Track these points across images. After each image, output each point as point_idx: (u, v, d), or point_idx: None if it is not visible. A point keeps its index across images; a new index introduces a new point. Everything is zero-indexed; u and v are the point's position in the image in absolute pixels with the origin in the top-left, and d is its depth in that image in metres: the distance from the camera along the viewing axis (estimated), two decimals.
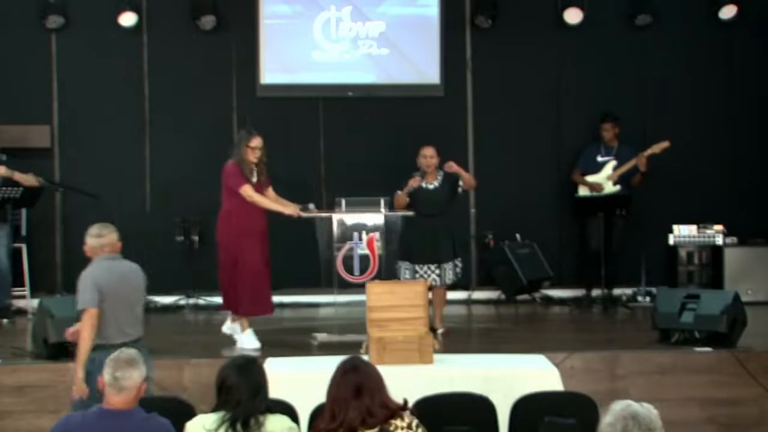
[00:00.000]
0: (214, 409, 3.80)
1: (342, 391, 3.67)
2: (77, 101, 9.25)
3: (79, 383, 4.82)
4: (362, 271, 7.05)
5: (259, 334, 6.88)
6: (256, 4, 9.38)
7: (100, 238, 5.08)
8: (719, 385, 6.16)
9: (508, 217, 9.24)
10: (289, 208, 6.82)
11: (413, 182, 7.24)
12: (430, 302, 6.68)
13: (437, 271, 7.29)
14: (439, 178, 7.40)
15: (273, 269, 6.91)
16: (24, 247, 8.68)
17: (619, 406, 2.94)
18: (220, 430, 3.69)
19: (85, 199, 8.64)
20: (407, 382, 5.09)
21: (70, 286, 8.65)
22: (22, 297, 8.48)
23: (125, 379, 3.75)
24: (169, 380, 5.92)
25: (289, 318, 7.49)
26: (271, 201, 6.81)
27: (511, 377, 5.55)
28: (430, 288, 7.40)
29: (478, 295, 9.17)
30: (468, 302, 9.09)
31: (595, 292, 8.84)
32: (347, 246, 7.08)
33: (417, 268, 7.27)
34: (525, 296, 9.17)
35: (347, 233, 7.09)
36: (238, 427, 3.69)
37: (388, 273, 7.02)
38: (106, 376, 3.77)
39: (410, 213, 7.21)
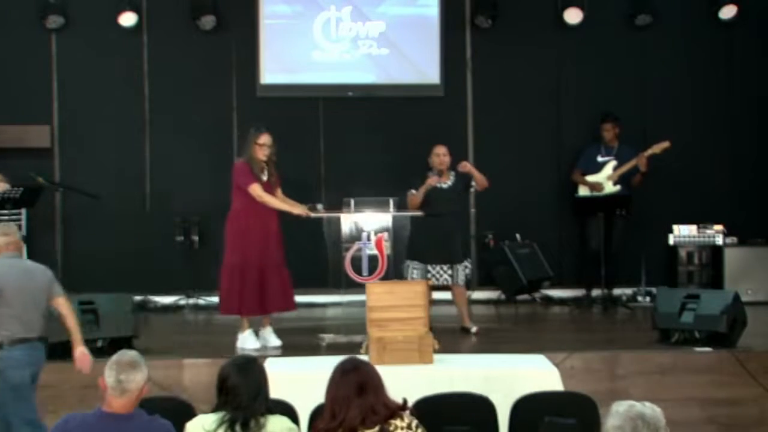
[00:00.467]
0: (214, 410, 3.80)
1: (343, 390, 3.66)
2: (77, 101, 9.26)
3: None
4: (371, 271, 7.04)
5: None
6: (256, 4, 9.38)
7: (6, 236, 5.16)
8: (719, 385, 6.16)
9: (508, 217, 9.24)
10: (298, 208, 6.80)
11: (431, 181, 7.22)
12: (431, 302, 6.67)
13: (449, 272, 7.29)
14: (452, 177, 7.40)
15: None
16: (24, 247, 8.67)
17: (623, 408, 2.90)
18: (220, 431, 3.69)
19: (85, 199, 8.66)
20: (407, 382, 5.10)
21: (70, 286, 8.68)
22: None
23: (129, 381, 3.74)
24: (169, 380, 5.92)
25: (297, 318, 7.48)
26: (279, 201, 6.80)
27: (511, 377, 5.55)
28: (442, 288, 7.40)
29: (478, 295, 9.16)
30: (468, 302, 9.07)
31: (595, 292, 8.84)
32: (356, 246, 7.06)
33: (429, 268, 7.26)
34: (525, 296, 9.17)
35: (356, 233, 7.08)
36: (238, 427, 3.69)
37: (396, 273, 7.02)
38: (109, 378, 3.76)
39: (420, 213, 7.20)
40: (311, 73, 9.48)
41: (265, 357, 6.00)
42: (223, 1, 9.36)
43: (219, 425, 3.69)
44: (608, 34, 9.59)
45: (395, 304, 5.93)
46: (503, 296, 9.11)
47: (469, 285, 8.22)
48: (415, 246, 7.25)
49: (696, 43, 9.62)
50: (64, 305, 5.22)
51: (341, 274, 7.04)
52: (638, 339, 6.96)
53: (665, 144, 8.63)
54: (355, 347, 6.03)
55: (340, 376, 3.72)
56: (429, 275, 7.24)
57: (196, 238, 9.08)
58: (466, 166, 7.32)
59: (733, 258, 8.94)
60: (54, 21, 9.17)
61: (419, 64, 9.54)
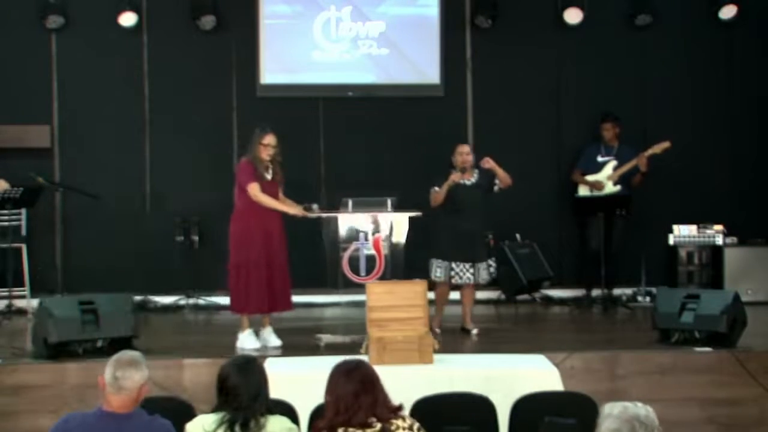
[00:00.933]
0: (214, 410, 3.80)
1: (349, 387, 3.66)
2: (77, 101, 9.25)
3: None
4: (368, 271, 7.03)
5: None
6: (256, 4, 9.38)
7: None
8: (719, 385, 6.15)
9: (508, 217, 9.24)
10: (294, 209, 6.81)
11: (455, 177, 7.19)
12: (432, 302, 6.66)
13: (471, 270, 7.26)
14: (476, 175, 7.36)
15: None
16: (24, 247, 8.69)
17: (617, 410, 2.90)
18: (219, 431, 3.69)
19: (85, 199, 8.66)
20: (407, 382, 5.10)
21: (70, 286, 8.71)
22: (22, 297, 8.49)
23: (125, 379, 3.73)
24: (169, 380, 5.91)
25: (294, 318, 7.48)
26: (276, 201, 6.80)
27: (511, 377, 5.55)
28: (457, 287, 7.39)
29: (478, 295, 9.08)
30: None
31: (595, 292, 8.84)
32: (353, 246, 7.06)
33: (453, 265, 7.24)
34: (525, 296, 9.17)
35: (353, 233, 7.08)
36: (237, 428, 3.68)
37: (394, 273, 7.01)
38: (107, 375, 3.76)
39: (418, 213, 7.17)
40: (311, 73, 9.48)
41: (265, 357, 6.01)
42: (223, 1, 9.36)
43: (219, 425, 3.69)
44: (608, 34, 9.59)
45: (395, 304, 5.93)
46: (503, 296, 9.11)
47: (496, 283, 8.24)
48: (438, 244, 7.26)
49: (696, 43, 9.62)
50: None
51: (339, 274, 7.04)
52: (638, 339, 6.96)
53: (665, 144, 8.64)
54: (353, 347, 6.04)
55: (344, 374, 3.72)
56: (452, 273, 7.22)
57: (196, 238, 9.08)
58: (489, 162, 7.26)
59: (733, 258, 8.94)
60: (54, 21, 9.17)
61: (419, 64, 9.54)
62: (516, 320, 8.67)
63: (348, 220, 7.09)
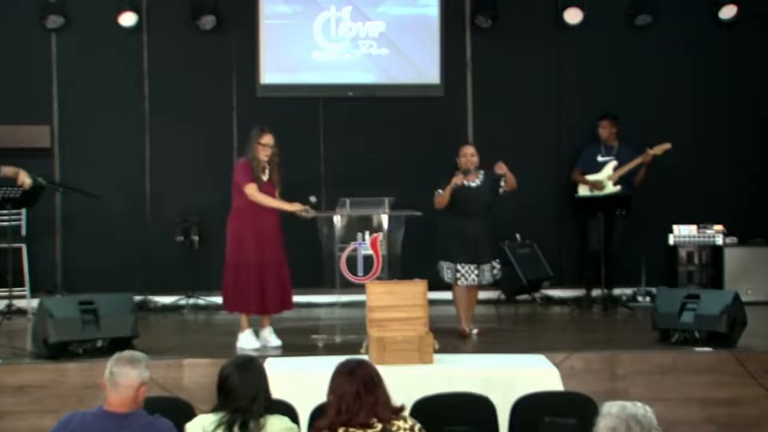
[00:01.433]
0: (214, 410, 3.80)
1: (352, 387, 3.67)
2: (77, 101, 9.25)
3: None
4: (366, 271, 7.04)
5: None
6: (256, 4, 9.38)
7: None
8: (719, 385, 6.15)
9: (508, 217, 9.24)
10: (292, 206, 6.80)
11: (457, 180, 7.15)
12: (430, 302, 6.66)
13: (476, 272, 7.24)
14: (481, 176, 7.32)
15: None
16: (24, 247, 8.69)
17: (615, 409, 2.90)
18: (219, 431, 3.69)
19: (85, 199, 8.65)
20: (407, 382, 5.10)
21: (70, 286, 8.71)
22: (22, 297, 8.48)
23: (120, 375, 3.73)
24: (169, 380, 5.92)
25: (291, 318, 7.49)
26: (274, 199, 6.80)
27: (511, 377, 5.56)
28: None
29: (479, 295, 9.14)
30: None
31: (595, 292, 8.83)
32: (351, 246, 7.06)
33: (458, 267, 7.21)
34: (525, 296, 9.17)
35: (351, 233, 7.08)
36: (237, 428, 3.69)
37: (391, 273, 7.01)
38: (105, 371, 3.77)
39: (415, 213, 7.17)
40: (311, 73, 9.48)
41: (265, 357, 6.01)
42: (223, 1, 9.36)
43: (219, 425, 3.69)
44: (608, 34, 9.58)
45: (395, 304, 5.93)
46: (503, 296, 9.10)
47: (498, 285, 8.23)
48: (444, 246, 7.25)
49: (696, 43, 9.62)
50: None
51: (337, 274, 7.04)
52: (638, 339, 6.96)
53: (666, 145, 8.64)
54: (352, 347, 6.04)
55: (347, 374, 3.72)
56: (458, 274, 7.20)
57: (196, 238, 9.07)
58: (503, 167, 7.20)
59: (733, 258, 8.94)
60: (54, 21, 9.16)
61: (419, 64, 9.54)
62: (516, 320, 8.67)
63: (345, 220, 7.08)
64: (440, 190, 7.20)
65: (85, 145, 9.25)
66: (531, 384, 5.27)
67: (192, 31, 9.33)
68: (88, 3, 9.30)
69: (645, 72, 9.55)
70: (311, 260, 7.40)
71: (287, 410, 4.27)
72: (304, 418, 4.49)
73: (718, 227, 8.98)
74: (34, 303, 7.31)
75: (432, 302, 6.23)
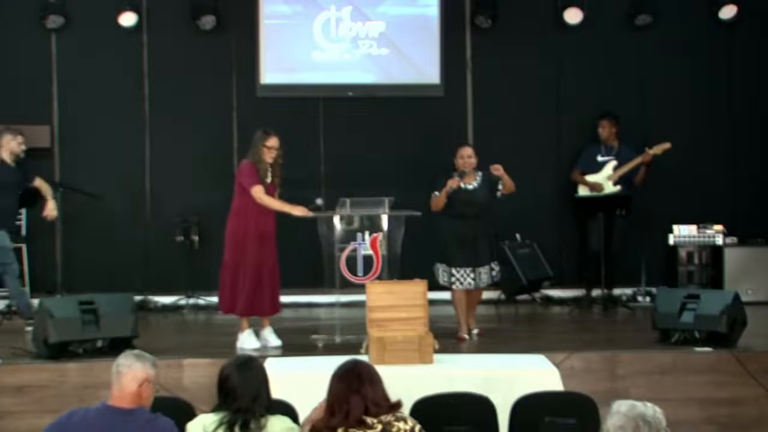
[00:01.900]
0: (215, 409, 3.80)
1: (342, 386, 3.69)
2: (77, 101, 9.25)
3: None
4: (366, 271, 7.03)
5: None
6: (256, 4, 9.38)
7: None
8: (719, 385, 6.15)
9: (507, 217, 9.24)
10: (298, 209, 6.79)
11: (452, 183, 7.04)
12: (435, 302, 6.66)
13: (472, 275, 7.13)
14: (478, 178, 7.21)
15: None
16: (24, 247, 8.69)
17: (624, 407, 2.90)
18: (220, 431, 3.69)
19: (85, 199, 8.65)
20: (407, 382, 5.09)
21: (70, 286, 8.70)
22: None
23: (123, 366, 3.74)
24: (169, 380, 5.91)
25: (291, 318, 7.50)
26: (280, 202, 6.79)
27: (511, 377, 5.55)
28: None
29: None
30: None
31: (595, 292, 8.83)
32: (351, 246, 7.05)
33: (453, 271, 7.13)
34: (525, 296, 9.17)
35: (351, 233, 7.07)
36: (238, 428, 3.69)
37: (391, 273, 7.00)
38: (113, 366, 3.79)
39: (415, 213, 7.15)
40: (311, 73, 9.48)
41: (265, 357, 6.01)
42: (223, 1, 9.36)
43: (220, 425, 3.70)
44: (608, 34, 9.59)
45: (395, 304, 5.93)
46: (503, 296, 9.10)
47: (497, 286, 8.20)
48: (441, 248, 7.19)
49: (696, 43, 9.62)
50: None
51: (336, 274, 7.03)
52: (638, 339, 6.96)
53: (666, 145, 8.64)
54: (352, 347, 6.04)
55: (337, 377, 3.76)
56: (453, 278, 7.12)
57: (196, 238, 9.07)
58: (499, 170, 7.09)
59: (733, 258, 8.93)
60: (54, 21, 9.17)
61: (419, 64, 9.54)
62: (516, 320, 8.67)
63: (345, 220, 7.08)
64: (436, 192, 7.13)
65: (85, 145, 9.25)
66: (531, 384, 5.26)
67: (192, 31, 9.33)
68: (88, 3, 9.30)
69: (645, 72, 9.55)
70: (311, 260, 7.41)
71: (287, 410, 4.27)
72: (304, 418, 4.48)
73: (718, 227, 8.98)
74: (34, 303, 7.31)
75: (432, 302, 6.23)
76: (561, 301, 9.12)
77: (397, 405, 3.77)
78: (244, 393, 3.73)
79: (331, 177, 9.33)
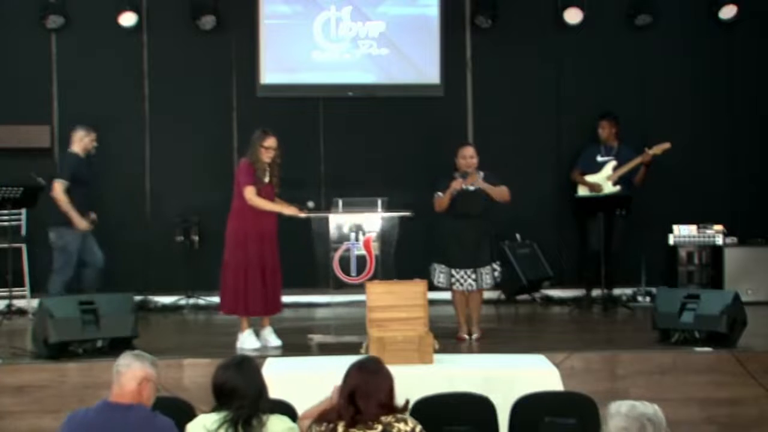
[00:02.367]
0: (215, 409, 3.80)
1: (373, 384, 3.77)
2: (77, 101, 9.24)
3: None
4: (359, 271, 7.02)
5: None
6: (256, 4, 9.38)
7: None
8: (719, 385, 6.15)
9: (507, 217, 9.23)
10: (289, 209, 6.80)
11: (456, 184, 7.00)
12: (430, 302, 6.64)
13: (473, 276, 7.08)
14: (480, 178, 7.14)
15: None
16: (24, 247, 8.69)
17: (624, 408, 2.89)
18: (222, 429, 3.69)
19: None
20: (407, 382, 5.07)
21: (70, 286, 8.68)
22: (22, 297, 8.49)
23: (123, 366, 3.77)
24: (169, 380, 5.90)
25: (285, 318, 7.49)
26: (270, 203, 6.79)
27: (511, 377, 5.55)
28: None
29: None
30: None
31: (595, 292, 8.83)
32: (344, 246, 7.05)
33: (453, 272, 7.08)
34: (525, 296, 9.17)
35: (344, 233, 7.06)
36: (239, 427, 3.69)
37: (385, 274, 6.98)
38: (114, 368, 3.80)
39: (408, 213, 7.13)
40: (311, 73, 9.48)
41: (264, 357, 6.01)
42: (223, 1, 9.36)
43: (222, 424, 3.70)
44: (608, 34, 9.59)
45: (395, 304, 5.93)
46: (503, 296, 9.10)
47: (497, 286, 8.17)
48: (441, 249, 7.13)
49: (696, 43, 9.62)
50: None
51: (330, 274, 7.02)
52: (638, 339, 6.96)
53: (666, 145, 8.64)
54: (352, 347, 6.03)
55: (372, 370, 3.81)
56: (453, 279, 7.08)
57: (196, 238, 9.08)
58: (477, 182, 7.02)
59: (733, 258, 8.93)
60: (54, 21, 9.17)
61: (419, 64, 9.54)
62: (516, 320, 8.67)
63: (338, 220, 7.07)
64: (440, 193, 7.10)
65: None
66: (531, 384, 5.26)
67: (192, 31, 9.33)
68: (88, 3, 9.30)
69: (645, 72, 9.56)
70: (306, 261, 7.40)
71: (287, 410, 4.27)
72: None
73: (718, 227, 8.98)
74: (34, 303, 7.31)
75: (432, 302, 6.23)
76: (561, 301, 9.12)
77: (404, 408, 3.78)
78: (246, 391, 3.74)
79: (331, 177, 9.34)
